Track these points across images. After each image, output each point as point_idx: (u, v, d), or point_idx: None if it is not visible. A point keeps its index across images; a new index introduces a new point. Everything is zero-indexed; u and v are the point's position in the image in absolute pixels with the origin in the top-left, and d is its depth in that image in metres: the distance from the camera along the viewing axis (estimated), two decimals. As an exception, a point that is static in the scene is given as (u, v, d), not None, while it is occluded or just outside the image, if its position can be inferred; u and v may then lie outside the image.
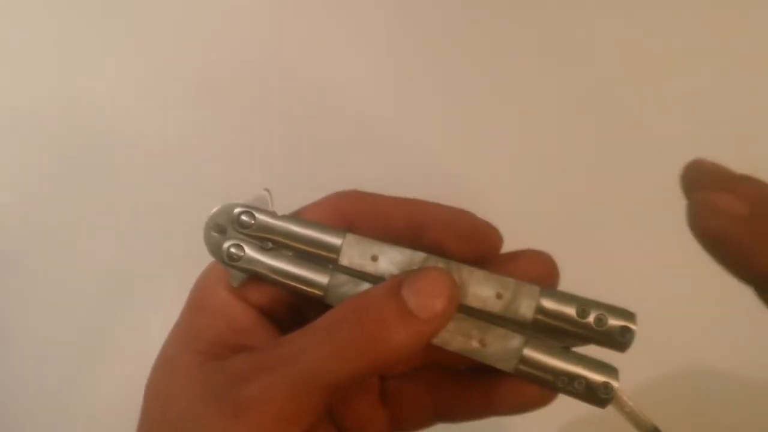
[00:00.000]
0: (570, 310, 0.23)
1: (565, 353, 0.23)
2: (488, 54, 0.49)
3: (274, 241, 0.24)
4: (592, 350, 0.23)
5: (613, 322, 0.22)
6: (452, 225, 0.24)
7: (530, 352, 0.23)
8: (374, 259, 0.23)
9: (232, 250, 0.24)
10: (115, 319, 0.45)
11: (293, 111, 0.48)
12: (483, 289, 0.23)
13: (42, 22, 0.49)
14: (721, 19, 0.49)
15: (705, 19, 0.49)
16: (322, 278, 0.24)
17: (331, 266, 0.24)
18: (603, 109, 0.48)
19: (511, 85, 0.49)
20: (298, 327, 0.22)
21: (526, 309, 0.23)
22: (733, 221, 0.19)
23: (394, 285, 0.21)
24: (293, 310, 0.25)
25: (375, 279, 0.23)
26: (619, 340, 0.22)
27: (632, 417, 0.23)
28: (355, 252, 0.23)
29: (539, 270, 0.24)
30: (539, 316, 0.23)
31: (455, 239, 0.23)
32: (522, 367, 0.23)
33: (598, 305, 0.23)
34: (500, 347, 0.23)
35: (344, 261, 0.23)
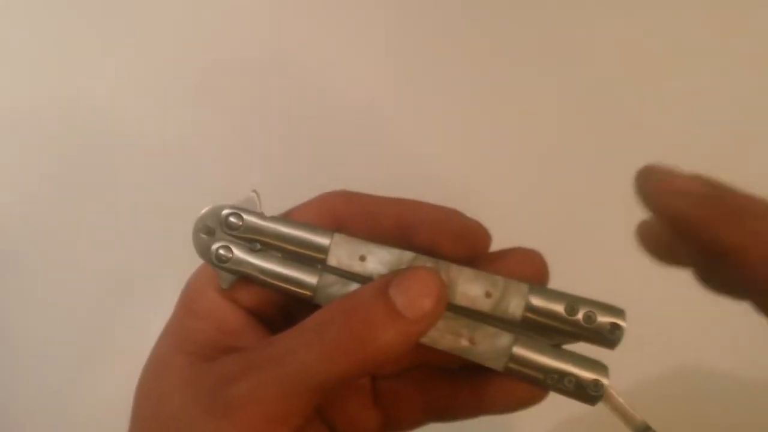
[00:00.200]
0: (559, 308, 0.23)
1: (555, 351, 0.23)
2: (488, 54, 0.49)
3: (262, 243, 0.24)
4: (583, 348, 0.23)
5: (602, 319, 0.22)
6: (441, 224, 0.24)
7: (520, 350, 0.23)
8: (362, 259, 0.23)
9: (221, 251, 0.24)
10: (115, 319, 0.45)
11: (293, 111, 0.48)
12: (472, 288, 0.23)
13: (42, 22, 0.49)
14: (721, 19, 0.49)
15: (705, 19, 0.49)
16: (310, 279, 0.24)
17: (319, 267, 0.24)
18: (603, 110, 0.48)
19: (511, 85, 0.49)
20: (288, 328, 0.22)
21: (515, 307, 0.23)
22: (692, 199, 0.19)
23: (382, 285, 0.21)
24: (283, 311, 0.25)
25: (363, 279, 0.23)
26: (609, 337, 0.22)
27: (623, 414, 0.23)
28: (343, 252, 0.23)
29: (528, 268, 0.24)
30: (528, 314, 0.23)
31: (444, 238, 0.23)
32: (512, 366, 0.23)
33: (587, 302, 0.23)
34: (490, 346, 0.23)
35: (332, 261, 0.23)
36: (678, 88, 0.48)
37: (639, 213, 0.46)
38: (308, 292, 0.24)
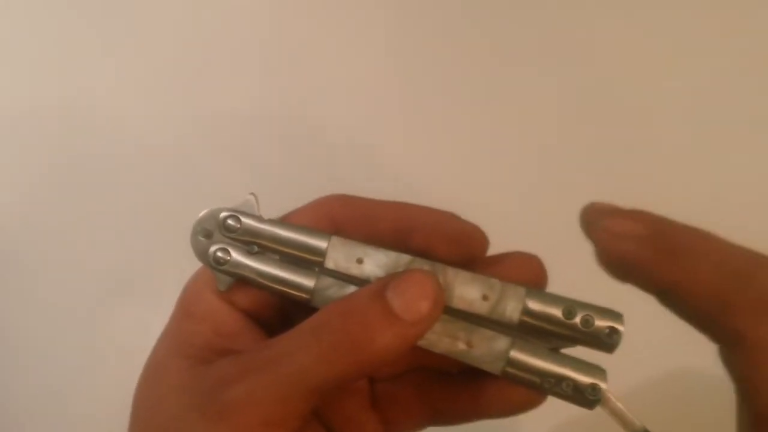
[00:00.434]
0: (556, 311, 0.23)
1: (553, 355, 0.23)
2: (488, 54, 0.49)
3: (260, 245, 0.24)
4: (581, 352, 0.23)
5: (600, 323, 0.22)
6: (438, 228, 0.24)
7: (517, 354, 0.23)
8: (360, 261, 0.23)
9: (219, 254, 0.24)
10: (115, 319, 0.45)
11: (293, 111, 0.48)
12: (469, 291, 0.23)
13: (42, 22, 0.49)
14: (721, 19, 0.49)
15: (705, 19, 0.49)
16: (308, 281, 0.24)
17: (317, 269, 0.24)
18: (603, 110, 0.48)
19: (511, 86, 0.49)
20: (285, 330, 0.22)
21: (512, 310, 0.23)
22: (635, 242, 0.20)
23: (379, 287, 0.21)
24: (280, 313, 0.25)
25: (361, 282, 0.23)
26: (606, 341, 0.22)
27: (621, 418, 0.23)
28: (340, 255, 0.23)
29: (526, 272, 0.24)
30: (525, 318, 0.23)
31: (441, 242, 0.23)
32: (509, 369, 0.23)
33: (584, 306, 0.23)
34: (487, 349, 0.23)
35: (330, 264, 0.23)
36: (678, 88, 0.48)
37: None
38: (305, 295, 0.24)
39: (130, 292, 0.45)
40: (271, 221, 0.24)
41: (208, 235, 0.24)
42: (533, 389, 0.23)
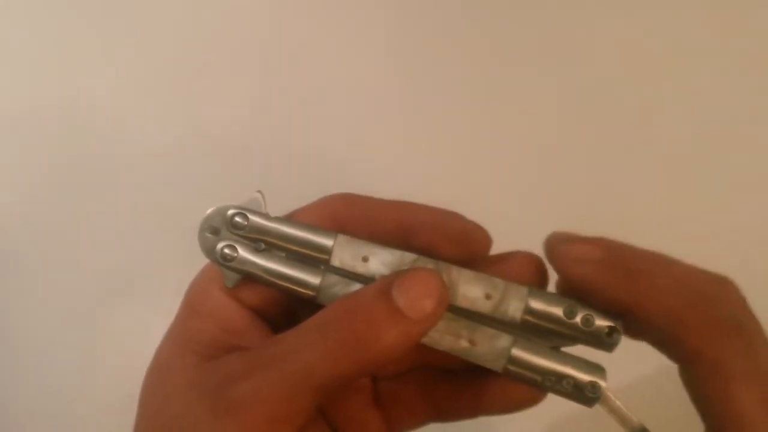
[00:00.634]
0: (558, 311, 0.23)
1: (553, 353, 0.23)
2: (488, 54, 0.49)
3: (266, 242, 0.24)
4: (581, 350, 0.24)
5: (600, 322, 0.23)
6: (442, 227, 0.24)
7: (518, 352, 0.23)
8: (365, 259, 0.24)
9: (226, 250, 0.24)
10: (115, 319, 0.45)
11: (293, 111, 0.48)
12: (472, 290, 0.23)
13: (42, 22, 0.49)
14: (721, 19, 0.49)
15: (705, 19, 0.49)
16: (314, 279, 0.24)
17: (322, 267, 0.24)
18: (603, 110, 0.48)
19: (511, 86, 0.49)
20: (291, 327, 0.22)
21: (514, 309, 0.23)
22: (591, 265, 0.21)
23: (384, 285, 0.21)
24: (286, 310, 0.25)
25: (366, 279, 0.24)
26: (606, 340, 0.23)
27: (620, 416, 0.23)
28: (346, 253, 0.24)
29: (529, 271, 0.24)
30: (527, 317, 0.23)
31: (445, 241, 0.24)
32: (510, 367, 0.23)
33: (585, 306, 0.23)
34: (489, 347, 0.23)
35: (335, 262, 0.24)
36: (678, 88, 0.48)
37: (636, 212, 0.46)
38: (311, 292, 0.24)
39: (130, 292, 0.45)
40: (277, 219, 0.24)
41: (216, 232, 0.24)
42: (534, 386, 0.24)
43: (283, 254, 0.24)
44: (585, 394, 0.23)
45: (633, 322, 0.22)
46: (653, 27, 0.49)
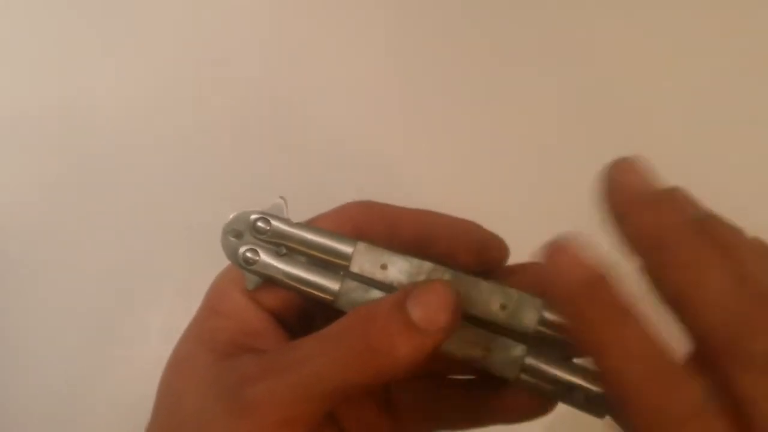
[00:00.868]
0: None
1: (566, 364, 0.23)
2: (488, 54, 0.49)
3: (288, 247, 0.25)
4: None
5: None
6: (459, 236, 0.25)
7: (532, 362, 0.23)
8: (384, 267, 0.24)
9: (248, 254, 0.25)
10: (115, 319, 0.45)
11: (293, 111, 0.48)
12: (487, 300, 0.23)
13: (42, 22, 0.49)
14: (721, 19, 0.49)
15: (705, 19, 0.49)
16: (333, 284, 0.24)
17: (342, 273, 0.24)
18: (603, 110, 0.48)
19: (511, 86, 0.49)
20: (306, 332, 0.23)
21: (529, 320, 0.23)
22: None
23: (400, 298, 0.22)
24: (303, 315, 0.26)
25: (384, 286, 0.24)
26: None
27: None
28: (365, 260, 0.24)
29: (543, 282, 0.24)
30: (541, 328, 0.23)
31: (463, 250, 0.24)
32: (523, 377, 0.23)
33: None
34: (503, 356, 0.23)
35: (355, 268, 0.24)
36: (678, 88, 0.48)
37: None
38: (330, 297, 0.24)
39: (130, 292, 0.45)
40: (299, 225, 0.25)
41: (239, 236, 0.25)
42: (545, 396, 0.24)
43: (304, 259, 0.25)
44: (596, 406, 0.23)
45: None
46: (653, 27, 0.49)
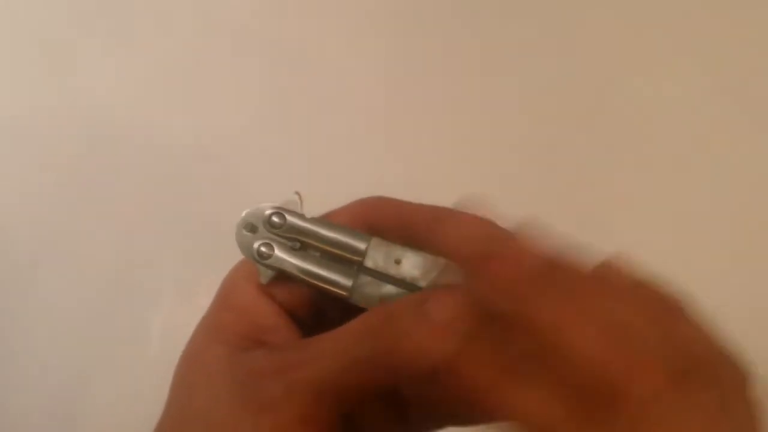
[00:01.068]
0: None
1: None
2: (488, 54, 0.49)
3: (302, 242, 0.25)
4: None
5: None
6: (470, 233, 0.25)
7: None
8: (397, 262, 0.24)
9: (263, 248, 0.25)
10: (115, 319, 0.45)
11: (293, 111, 0.48)
12: None
13: (42, 21, 0.49)
14: (721, 19, 0.49)
15: (705, 19, 0.49)
16: (347, 279, 0.24)
17: (356, 267, 0.25)
18: (603, 110, 0.48)
19: (509, 86, 0.49)
20: (318, 327, 0.23)
21: None
22: None
23: (418, 302, 0.22)
24: (315, 310, 0.26)
25: (397, 281, 0.24)
26: None
27: None
28: (379, 255, 0.24)
29: None
30: None
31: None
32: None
33: None
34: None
35: (369, 263, 0.24)
36: (678, 89, 0.48)
37: (637, 213, 0.46)
38: (344, 292, 0.24)
39: (130, 292, 0.45)
40: (314, 220, 0.25)
41: (253, 230, 0.25)
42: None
43: (318, 254, 0.25)
44: None
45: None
46: (653, 27, 0.49)
